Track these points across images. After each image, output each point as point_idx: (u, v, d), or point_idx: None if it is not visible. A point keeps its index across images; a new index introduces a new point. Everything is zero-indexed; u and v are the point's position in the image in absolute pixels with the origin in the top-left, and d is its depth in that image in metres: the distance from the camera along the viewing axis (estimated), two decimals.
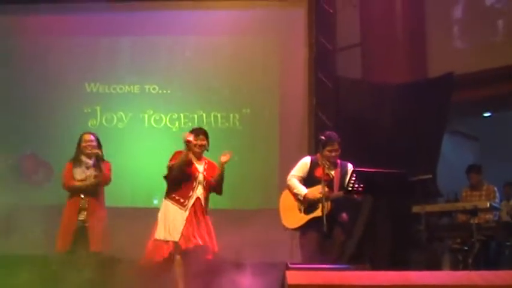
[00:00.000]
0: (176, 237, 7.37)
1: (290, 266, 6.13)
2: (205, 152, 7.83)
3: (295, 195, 7.41)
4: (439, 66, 10.87)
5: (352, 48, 11.57)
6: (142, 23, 10.99)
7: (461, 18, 11.45)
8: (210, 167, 7.70)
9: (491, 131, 13.31)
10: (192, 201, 7.50)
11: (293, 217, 7.41)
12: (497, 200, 9.63)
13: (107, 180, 8.00)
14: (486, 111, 12.70)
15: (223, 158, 7.56)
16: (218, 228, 9.52)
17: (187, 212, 7.44)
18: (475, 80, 10.88)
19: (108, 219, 8.10)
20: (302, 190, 7.37)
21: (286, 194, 7.56)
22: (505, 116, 12.88)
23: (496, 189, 9.77)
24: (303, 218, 7.33)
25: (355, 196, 7.29)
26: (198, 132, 7.76)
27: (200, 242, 7.39)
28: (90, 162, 7.94)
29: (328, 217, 6.96)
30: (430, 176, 8.67)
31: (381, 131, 10.54)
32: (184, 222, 7.41)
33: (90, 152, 7.96)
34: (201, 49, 10.89)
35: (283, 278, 5.75)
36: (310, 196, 7.28)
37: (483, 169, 10.18)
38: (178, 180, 7.52)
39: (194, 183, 7.55)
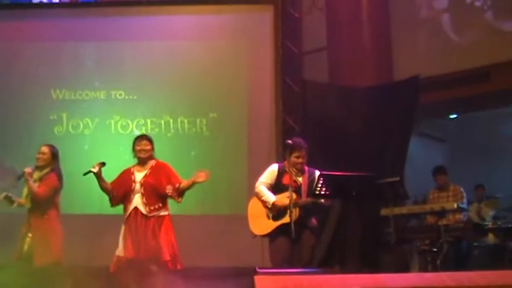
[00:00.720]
0: (121, 251, 7.30)
1: (259, 270, 6.10)
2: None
3: (264, 202, 7.38)
4: (405, 70, 10.93)
5: (318, 52, 11.61)
6: (108, 28, 10.94)
7: (426, 22, 11.51)
8: (155, 170, 7.53)
9: (458, 132, 13.43)
10: (128, 213, 7.38)
11: (261, 224, 7.38)
12: (464, 200, 9.68)
13: (36, 197, 7.61)
14: (452, 113, 12.80)
15: (199, 179, 7.36)
16: (187, 235, 9.54)
17: (123, 225, 7.36)
18: (441, 82, 10.96)
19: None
20: (270, 198, 7.33)
21: (254, 201, 7.53)
22: (470, 118, 12.99)
23: (462, 189, 9.83)
24: (271, 225, 7.31)
25: (323, 200, 7.28)
26: (141, 137, 7.69)
27: (146, 253, 7.26)
28: (35, 177, 7.71)
29: (297, 223, 6.94)
30: (398, 178, 8.68)
31: (348, 134, 10.56)
32: (124, 235, 7.33)
33: (39, 164, 7.79)
34: (168, 54, 10.85)
35: (252, 283, 5.73)
36: (279, 204, 7.25)
37: (450, 170, 10.23)
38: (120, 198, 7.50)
39: (131, 196, 7.43)
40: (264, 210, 7.39)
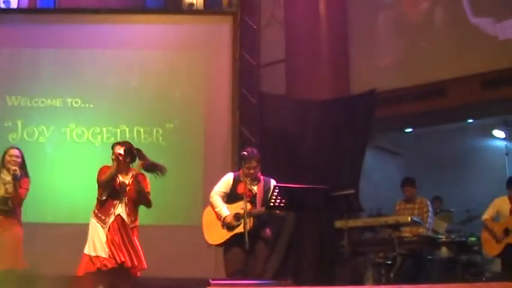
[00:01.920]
0: (101, 253, 7.25)
1: (212, 282, 6.09)
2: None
3: (217, 214, 7.38)
4: (362, 84, 11.03)
5: (276, 64, 11.65)
6: (66, 35, 10.80)
7: (383, 37, 11.61)
8: (136, 181, 7.52)
9: (413, 146, 13.56)
10: (112, 218, 7.35)
11: (215, 233, 7.37)
12: (430, 214, 9.74)
13: (18, 200, 7.74)
14: (408, 127, 12.91)
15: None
16: (142, 244, 9.47)
17: (106, 230, 7.31)
18: (397, 96, 11.07)
19: (26, 235, 7.94)
20: (223, 212, 7.32)
21: (209, 210, 7.52)
22: (426, 132, 13.12)
23: (428, 202, 9.88)
24: (225, 234, 7.30)
25: (277, 212, 7.29)
26: (116, 144, 7.65)
27: (124, 260, 7.26)
28: (8, 178, 7.74)
29: (251, 233, 6.93)
30: (353, 191, 8.75)
31: (305, 147, 10.63)
32: (105, 239, 7.28)
33: (10, 167, 7.77)
34: (126, 63, 10.78)
35: None
36: (228, 220, 7.25)
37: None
38: (106, 194, 7.42)
39: (116, 201, 7.41)
40: (218, 220, 7.38)
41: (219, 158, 10.36)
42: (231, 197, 7.43)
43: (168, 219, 10.15)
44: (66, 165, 10.24)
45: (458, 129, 12.74)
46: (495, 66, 10.39)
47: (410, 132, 13.25)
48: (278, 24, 11.81)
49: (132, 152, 7.58)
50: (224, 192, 7.48)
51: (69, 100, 10.62)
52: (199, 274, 8.63)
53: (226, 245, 7.35)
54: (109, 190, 7.41)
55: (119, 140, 10.33)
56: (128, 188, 7.47)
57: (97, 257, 7.23)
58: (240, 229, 7.14)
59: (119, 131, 10.52)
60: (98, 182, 7.46)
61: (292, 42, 11.59)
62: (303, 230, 9.11)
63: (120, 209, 7.41)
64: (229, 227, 7.27)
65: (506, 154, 12.77)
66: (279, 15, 11.84)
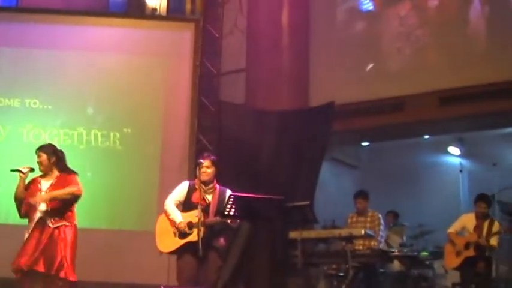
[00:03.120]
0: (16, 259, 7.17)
1: None
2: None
3: (170, 221, 7.36)
4: (322, 96, 11.07)
5: (236, 73, 11.66)
6: (26, 35, 10.72)
7: (343, 51, 11.68)
8: (60, 181, 7.38)
9: (369, 160, 13.67)
10: (33, 223, 7.21)
11: (168, 241, 7.34)
12: (381, 228, 9.82)
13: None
14: (365, 140, 13.01)
15: None
16: (94, 248, 9.42)
17: (27, 234, 7.19)
18: (355, 110, 11.15)
19: None
20: (177, 218, 7.31)
21: (162, 218, 7.49)
22: (383, 146, 13.24)
23: (380, 216, 9.96)
24: (177, 243, 7.28)
25: (230, 221, 7.28)
26: (36, 150, 7.49)
27: (48, 266, 7.13)
28: None
29: (204, 242, 6.92)
30: (308, 202, 8.79)
31: (262, 157, 10.65)
32: (24, 244, 7.16)
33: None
34: (85, 65, 10.72)
35: None
36: (182, 226, 7.23)
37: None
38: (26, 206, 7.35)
39: (37, 205, 7.26)
40: (171, 228, 7.36)
41: (176, 164, 10.35)
42: (185, 206, 7.42)
43: (122, 224, 10.14)
44: (21, 166, 10.13)
45: (415, 145, 12.85)
46: (453, 83, 10.52)
47: (367, 145, 13.36)
48: (240, 33, 11.82)
49: (56, 153, 7.48)
50: (179, 201, 7.46)
51: (27, 101, 10.55)
52: (152, 280, 8.61)
53: (179, 252, 7.33)
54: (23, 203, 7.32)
55: (75, 142, 10.36)
56: (48, 190, 7.28)
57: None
58: (192, 237, 7.13)
59: (76, 133, 10.47)
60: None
61: (253, 52, 11.60)
62: (257, 239, 9.11)
63: (42, 211, 7.23)
64: (181, 234, 7.25)
65: (461, 171, 12.93)
66: (242, 24, 11.85)
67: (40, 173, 7.40)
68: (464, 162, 13.01)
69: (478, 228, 9.41)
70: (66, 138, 10.38)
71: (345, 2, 12.00)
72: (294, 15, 11.60)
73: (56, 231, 7.21)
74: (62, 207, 7.30)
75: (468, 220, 9.61)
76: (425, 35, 11.11)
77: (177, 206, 7.45)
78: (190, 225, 7.18)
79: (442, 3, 11.08)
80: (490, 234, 9.27)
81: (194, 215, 7.14)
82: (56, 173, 7.42)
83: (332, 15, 11.94)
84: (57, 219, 7.24)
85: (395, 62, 11.26)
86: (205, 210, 7.17)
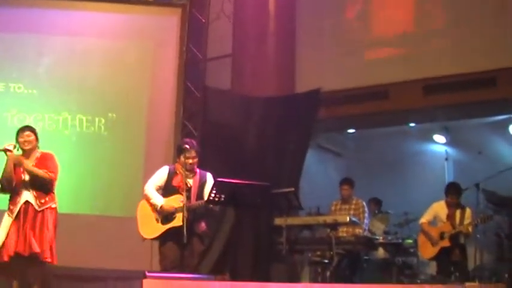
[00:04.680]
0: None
1: (147, 274, 6.06)
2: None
3: (152, 205, 7.35)
4: (308, 83, 11.08)
5: (222, 58, 11.62)
6: (10, 19, 10.59)
7: (330, 38, 11.68)
8: (40, 162, 7.37)
9: (355, 147, 13.67)
10: (18, 206, 7.20)
11: (150, 227, 7.35)
12: (366, 215, 9.86)
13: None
14: (350, 128, 13.01)
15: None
16: (78, 234, 9.40)
17: (11, 219, 7.17)
18: (341, 97, 11.15)
19: None
20: (158, 201, 7.31)
21: (143, 203, 7.49)
22: (368, 134, 13.25)
23: (364, 204, 9.99)
24: (160, 229, 7.28)
25: (212, 207, 7.27)
26: (23, 128, 7.50)
27: (34, 249, 7.10)
28: None
29: (187, 227, 6.90)
30: (293, 189, 8.78)
31: (247, 142, 10.64)
32: (7, 229, 7.13)
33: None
34: (71, 50, 10.61)
35: (141, 286, 5.70)
36: (166, 207, 7.23)
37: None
38: (7, 189, 7.30)
39: (20, 188, 7.26)
40: (153, 214, 7.35)
41: (161, 150, 10.32)
42: (166, 190, 7.42)
43: (106, 209, 10.10)
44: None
45: (400, 133, 12.86)
46: (438, 72, 10.54)
47: (353, 133, 13.36)
48: (227, 19, 11.78)
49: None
50: (159, 186, 7.47)
51: (12, 85, 10.44)
52: (135, 266, 8.58)
53: (161, 238, 7.32)
54: (10, 183, 7.29)
55: (60, 127, 10.30)
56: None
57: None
58: (174, 223, 7.14)
59: (61, 118, 10.40)
60: None
61: (239, 38, 11.57)
62: (242, 226, 9.10)
63: (27, 195, 7.24)
64: (164, 219, 7.24)
65: (446, 159, 12.93)
66: (228, 10, 11.80)
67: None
68: (450, 150, 13.02)
69: (450, 217, 9.50)
70: (51, 123, 10.31)
71: None
72: (281, 1, 11.58)
73: (40, 214, 7.20)
74: (45, 190, 7.29)
75: (440, 208, 9.68)
76: (410, 24, 11.11)
77: (157, 191, 7.45)
78: (169, 216, 7.18)
79: None
80: (462, 222, 9.34)
81: (175, 200, 7.14)
82: (36, 153, 7.40)
83: (319, 2, 11.91)
84: (42, 201, 7.23)
85: (381, 49, 11.25)
86: (187, 195, 7.16)
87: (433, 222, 9.73)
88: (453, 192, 9.57)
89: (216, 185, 7.04)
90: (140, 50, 10.79)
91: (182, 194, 7.06)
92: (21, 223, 7.15)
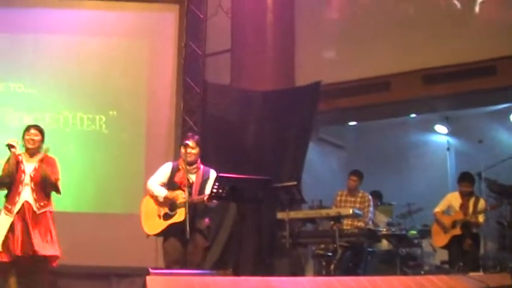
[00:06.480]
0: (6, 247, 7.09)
1: (151, 271, 6.05)
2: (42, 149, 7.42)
3: (155, 198, 7.33)
4: (307, 76, 11.06)
5: (222, 54, 11.61)
6: (9, 19, 10.62)
7: (329, 30, 11.65)
8: (45, 164, 7.30)
9: (356, 139, 13.66)
10: (18, 206, 7.15)
11: (152, 223, 7.33)
12: (371, 209, 9.84)
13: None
14: (352, 120, 13.00)
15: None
16: (81, 232, 9.40)
17: (11, 219, 7.10)
18: (342, 90, 11.14)
19: None
20: (162, 192, 7.29)
21: (147, 200, 7.47)
22: (369, 126, 13.24)
23: (370, 197, 9.96)
24: (162, 224, 7.26)
25: (214, 201, 7.24)
26: (29, 127, 7.45)
27: (33, 250, 7.05)
28: None
29: (189, 224, 6.89)
30: (295, 182, 8.77)
31: (248, 137, 10.63)
32: (7, 229, 7.08)
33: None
34: (70, 49, 10.63)
35: (144, 283, 5.69)
36: (170, 196, 7.20)
37: (347, 177, 10.31)
38: (7, 186, 7.26)
39: (20, 187, 7.19)
40: (155, 210, 7.34)
41: (162, 146, 10.33)
42: (168, 187, 7.40)
43: (109, 207, 10.12)
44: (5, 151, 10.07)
45: (402, 124, 12.87)
46: (438, 62, 10.53)
47: (354, 125, 13.35)
48: (225, 14, 11.77)
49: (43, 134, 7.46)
50: (162, 182, 7.44)
51: (11, 85, 10.45)
52: (140, 263, 8.59)
53: (164, 234, 7.31)
54: (11, 180, 7.24)
55: (61, 126, 10.30)
56: (33, 174, 7.25)
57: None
58: (176, 219, 7.12)
59: (61, 117, 10.42)
60: None
61: (238, 33, 11.56)
62: (245, 220, 9.09)
63: (27, 195, 7.20)
64: (166, 215, 7.23)
65: (448, 149, 12.94)
66: (226, 5, 11.79)
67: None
68: (451, 140, 13.02)
69: (463, 206, 9.49)
70: (51, 122, 10.30)
71: None
72: None
73: (41, 215, 7.18)
74: (45, 192, 7.28)
75: (454, 199, 9.67)
76: (410, 14, 11.08)
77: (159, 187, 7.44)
78: (174, 205, 7.17)
79: None
80: (476, 212, 9.34)
81: (177, 195, 7.13)
82: (40, 155, 7.35)
83: None
84: (41, 204, 7.21)
85: (380, 40, 11.22)
86: (189, 191, 7.14)
87: (446, 212, 9.73)
88: (466, 180, 9.56)
89: (217, 180, 7.02)
90: (139, 47, 10.80)
91: (184, 190, 7.03)
92: (22, 222, 7.13)
